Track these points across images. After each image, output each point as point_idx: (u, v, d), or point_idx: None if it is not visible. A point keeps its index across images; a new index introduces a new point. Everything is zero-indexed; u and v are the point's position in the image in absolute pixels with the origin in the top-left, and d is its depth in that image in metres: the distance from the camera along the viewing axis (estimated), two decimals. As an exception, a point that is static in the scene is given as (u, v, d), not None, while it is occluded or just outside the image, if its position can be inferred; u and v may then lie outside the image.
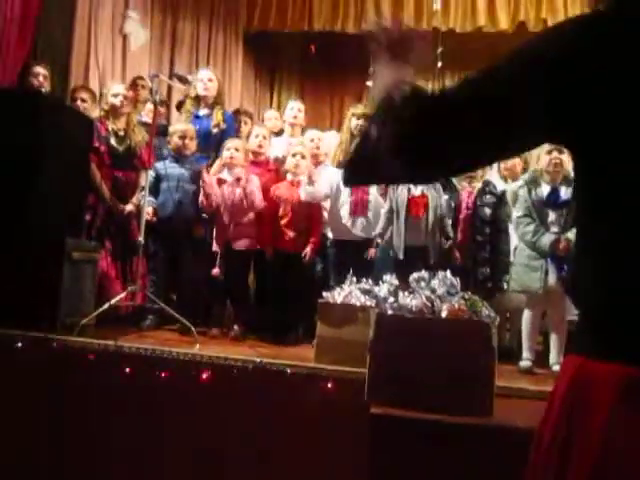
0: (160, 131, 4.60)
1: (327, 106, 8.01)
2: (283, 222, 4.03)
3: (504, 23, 6.94)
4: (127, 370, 3.05)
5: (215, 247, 4.07)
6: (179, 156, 4.28)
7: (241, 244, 4.05)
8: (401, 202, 3.80)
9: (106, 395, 3.02)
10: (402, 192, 3.83)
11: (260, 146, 4.36)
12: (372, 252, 4.00)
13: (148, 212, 3.94)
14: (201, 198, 4.07)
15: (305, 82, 8.42)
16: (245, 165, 4.17)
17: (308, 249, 3.98)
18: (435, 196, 3.81)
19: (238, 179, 4.03)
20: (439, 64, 7.09)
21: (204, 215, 4.17)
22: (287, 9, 7.21)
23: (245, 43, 7.55)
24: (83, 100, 4.51)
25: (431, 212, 3.77)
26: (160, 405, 2.98)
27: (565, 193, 3.49)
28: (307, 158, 4.18)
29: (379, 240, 3.96)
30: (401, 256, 3.74)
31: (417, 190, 3.82)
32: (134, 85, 5.04)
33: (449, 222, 3.86)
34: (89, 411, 3.02)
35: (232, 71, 7.36)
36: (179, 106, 5.14)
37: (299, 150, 4.17)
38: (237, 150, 4.11)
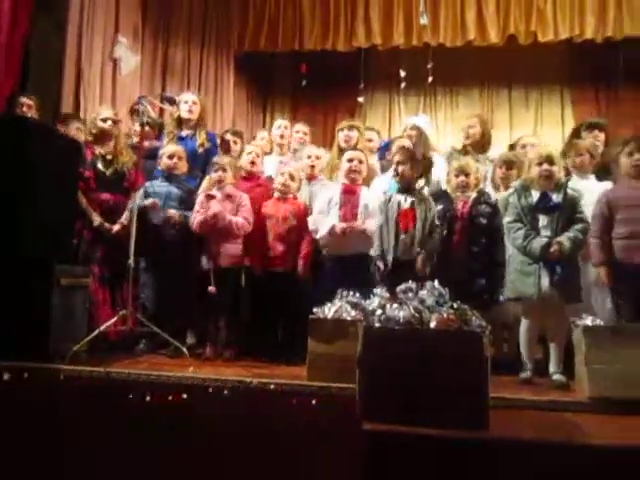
0: (153, 153, 4.59)
1: (321, 125, 7.98)
2: (270, 237, 4.00)
3: (494, 37, 6.94)
4: (119, 396, 3.00)
5: (205, 264, 3.98)
6: (169, 175, 4.28)
7: (228, 261, 4.00)
8: (391, 215, 3.76)
9: (101, 423, 2.97)
10: (392, 206, 3.78)
11: (253, 163, 4.38)
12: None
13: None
14: (193, 217, 4.04)
15: (298, 102, 8.42)
16: (234, 182, 4.15)
17: (300, 265, 3.95)
18: (424, 209, 3.75)
19: (229, 195, 4.02)
20: (430, 79, 7.12)
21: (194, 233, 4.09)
22: (278, 29, 7.25)
23: (236, 66, 7.57)
24: (78, 129, 4.54)
25: (419, 224, 3.71)
26: (155, 430, 2.92)
27: (556, 198, 3.45)
28: (296, 179, 4.16)
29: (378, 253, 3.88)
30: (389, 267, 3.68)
31: (407, 203, 3.77)
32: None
33: (437, 237, 3.78)
34: (85, 440, 2.97)
35: (224, 94, 7.37)
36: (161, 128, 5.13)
37: (288, 170, 4.16)
38: (224, 170, 4.10)
